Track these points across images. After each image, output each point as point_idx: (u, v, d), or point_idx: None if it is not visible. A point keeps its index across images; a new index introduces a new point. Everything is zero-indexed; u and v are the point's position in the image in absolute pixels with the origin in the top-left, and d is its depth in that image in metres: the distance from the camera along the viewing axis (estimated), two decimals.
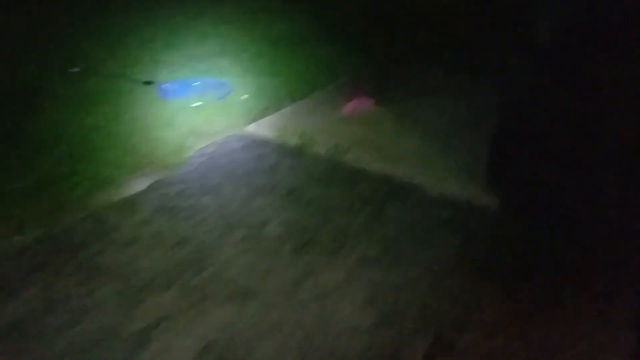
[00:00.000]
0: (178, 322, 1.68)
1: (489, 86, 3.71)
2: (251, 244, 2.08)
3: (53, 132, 2.94)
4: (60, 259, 1.95)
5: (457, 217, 2.32)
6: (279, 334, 1.64)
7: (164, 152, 2.77)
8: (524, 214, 2.35)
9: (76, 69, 3.98)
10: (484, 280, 1.93)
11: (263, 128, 3.11)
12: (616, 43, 2.05)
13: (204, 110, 3.35)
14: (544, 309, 1.80)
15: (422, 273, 1.95)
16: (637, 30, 1.98)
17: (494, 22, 4.85)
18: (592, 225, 2.20)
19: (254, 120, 3.22)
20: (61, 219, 2.20)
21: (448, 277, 1.94)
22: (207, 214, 2.26)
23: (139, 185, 2.48)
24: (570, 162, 2.29)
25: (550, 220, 2.26)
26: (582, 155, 2.25)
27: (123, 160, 2.68)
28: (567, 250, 2.11)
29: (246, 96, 3.66)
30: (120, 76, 3.92)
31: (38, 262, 1.94)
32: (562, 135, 2.27)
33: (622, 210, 2.16)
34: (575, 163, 2.27)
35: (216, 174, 2.59)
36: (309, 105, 3.45)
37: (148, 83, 3.81)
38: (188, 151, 2.81)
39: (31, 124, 3.03)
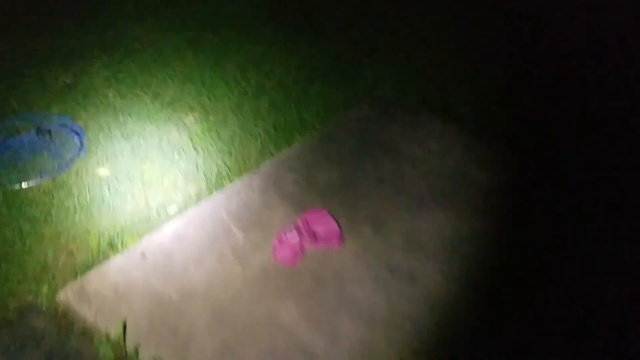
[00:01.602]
0: None
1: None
2: None
3: None
4: None
5: None
6: None
7: None
8: None
9: None
10: None
11: (92, 301, 1.45)
12: None
13: (13, 211, 1.68)
14: None
15: None
16: None
17: None
18: None
19: (91, 265, 1.56)
20: None
21: None
22: None
23: None
24: None
25: None
26: None
27: None
28: None
29: (106, 173, 1.95)
30: None
31: None
32: None
33: None
34: None
35: None
36: (203, 228, 1.71)
37: None
38: None
39: None
